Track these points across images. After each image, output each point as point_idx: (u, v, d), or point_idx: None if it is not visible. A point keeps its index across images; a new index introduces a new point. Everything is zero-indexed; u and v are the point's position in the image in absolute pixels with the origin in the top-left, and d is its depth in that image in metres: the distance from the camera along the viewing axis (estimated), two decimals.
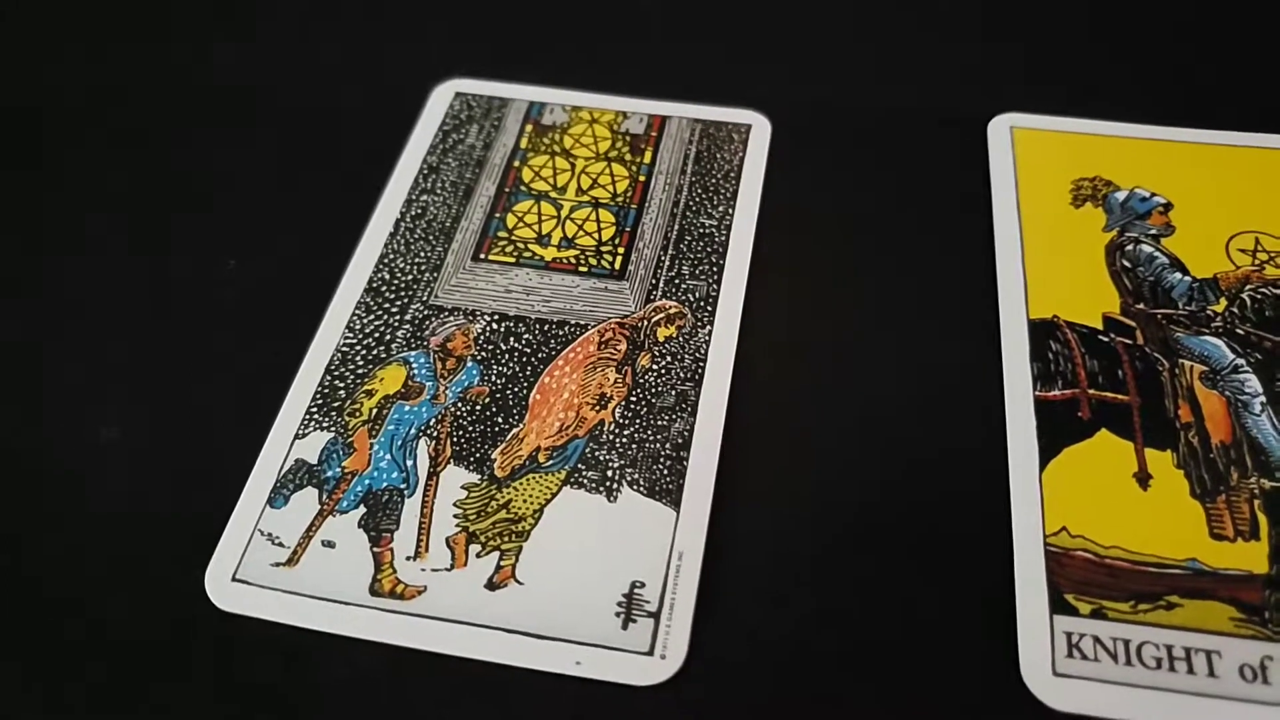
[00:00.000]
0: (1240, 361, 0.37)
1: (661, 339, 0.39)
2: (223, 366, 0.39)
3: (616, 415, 0.37)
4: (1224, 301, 0.39)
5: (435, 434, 0.36)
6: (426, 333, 0.39)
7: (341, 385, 0.38)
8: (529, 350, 0.39)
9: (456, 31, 0.52)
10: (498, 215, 0.43)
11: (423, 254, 0.42)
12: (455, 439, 0.36)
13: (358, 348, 0.39)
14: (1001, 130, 0.45)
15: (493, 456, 0.36)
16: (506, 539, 0.34)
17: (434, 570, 0.33)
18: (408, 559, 0.33)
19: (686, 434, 0.36)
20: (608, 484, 0.35)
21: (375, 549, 0.34)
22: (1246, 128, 0.44)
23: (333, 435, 0.36)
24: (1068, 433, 0.36)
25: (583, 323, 0.39)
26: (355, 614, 0.32)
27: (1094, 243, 0.41)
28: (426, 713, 0.31)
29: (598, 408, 0.37)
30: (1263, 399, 0.36)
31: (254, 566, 0.33)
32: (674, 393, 0.37)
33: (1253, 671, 0.30)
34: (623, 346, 0.38)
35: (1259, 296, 0.39)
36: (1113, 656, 0.31)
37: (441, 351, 0.39)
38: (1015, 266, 0.40)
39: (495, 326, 0.39)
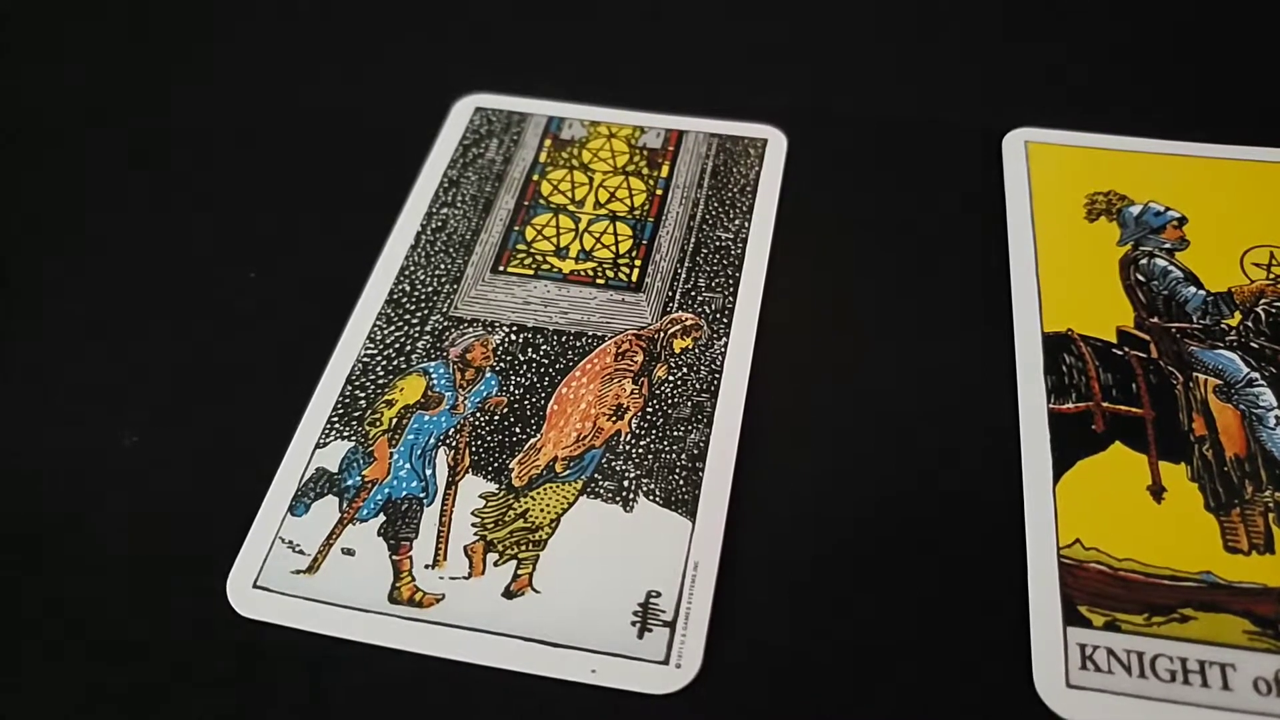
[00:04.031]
0: (1255, 375, 0.37)
1: (678, 350, 0.39)
2: (246, 376, 0.39)
3: (633, 426, 0.37)
4: (1238, 315, 0.39)
5: (454, 444, 0.37)
6: (446, 343, 0.40)
7: (362, 395, 0.38)
8: (547, 361, 0.39)
9: (476, 47, 0.53)
10: (517, 228, 0.44)
11: (443, 266, 0.42)
12: (474, 449, 0.37)
13: (378, 358, 0.39)
14: (1016, 145, 0.45)
15: (510, 466, 0.36)
16: (524, 548, 0.34)
17: (452, 578, 0.34)
18: (426, 567, 0.34)
19: (702, 445, 0.36)
20: (624, 494, 0.35)
21: (394, 557, 0.34)
22: (1261, 142, 0.44)
23: (353, 444, 0.37)
24: (1082, 445, 0.36)
25: (600, 334, 0.40)
26: (374, 621, 0.33)
27: (1108, 257, 0.41)
28: None
29: (614, 418, 0.37)
30: (1277, 412, 0.36)
31: (275, 573, 0.34)
32: (690, 404, 0.38)
33: (1267, 685, 0.30)
34: (639, 358, 0.39)
35: (1274, 310, 0.39)
36: (1126, 669, 0.31)
37: (460, 362, 0.39)
38: (1030, 280, 0.40)
39: (514, 338, 0.40)
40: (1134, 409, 0.36)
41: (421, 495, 0.36)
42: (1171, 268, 0.40)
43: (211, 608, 0.33)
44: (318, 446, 0.37)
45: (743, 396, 0.38)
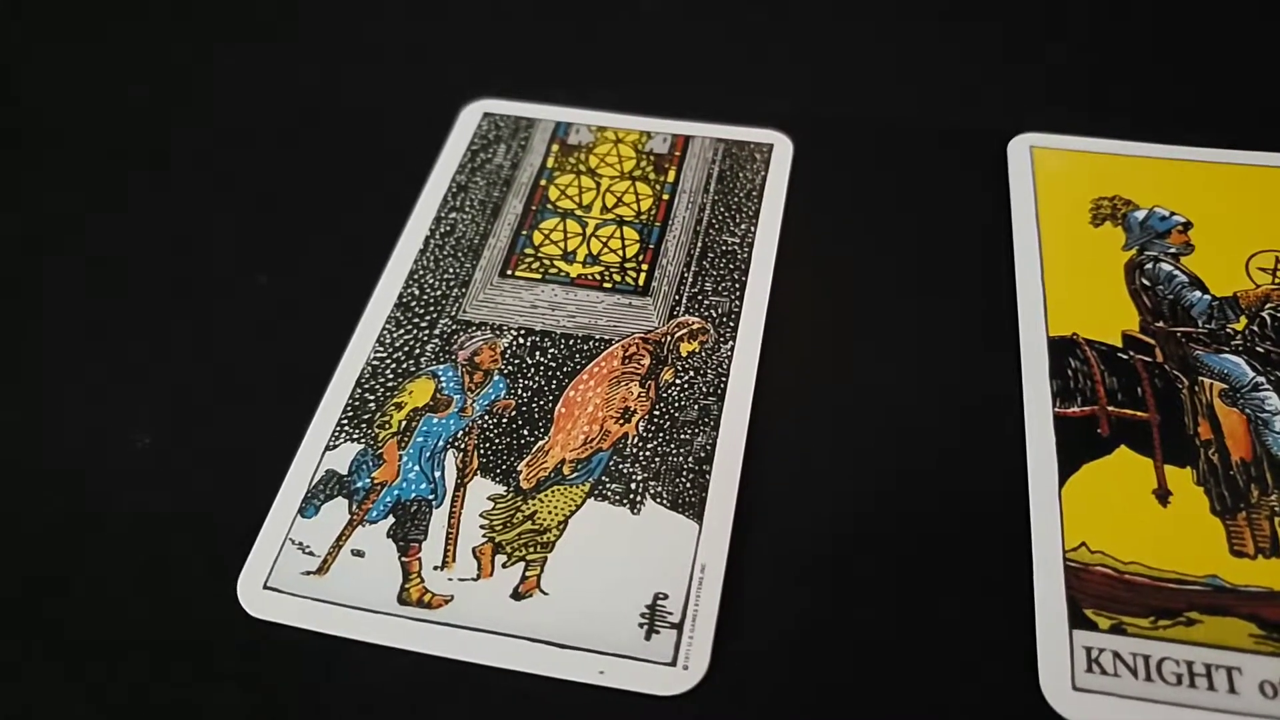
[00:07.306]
0: (1260, 379, 0.37)
1: (684, 354, 0.39)
2: (256, 379, 0.40)
3: (640, 429, 0.37)
4: (1244, 320, 0.39)
5: (463, 446, 0.37)
6: (455, 347, 0.40)
7: (371, 398, 0.38)
8: (554, 364, 0.39)
9: (485, 53, 0.53)
10: (524, 232, 0.44)
11: (451, 270, 0.43)
12: (482, 451, 0.37)
13: (388, 361, 0.40)
14: (1021, 150, 0.46)
15: (519, 469, 0.36)
16: (532, 550, 0.34)
17: (461, 580, 0.34)
18: (435, 569, 0.34)
19: (709, 448, 0.37)
20: (631, 496, 0.35)
21: (403, 558, 0.34)
22: (1266, 147, 0.44)
23: (363, 447, 0.37)
24: (1087, 449, 0.36)
25: (607, 338, 0.40)
26: (383, 622, 0.33)
27: (1113, 261, 0.41)
28: None
29: (621, 421, 0.37)
30: None
31: (285, 575, 0.34)
32: (697, 407, 0.38)
33: (1273, 688, 0.30)
34: (646, 361, 0.39)
35: (1279, 315, 0.39)
36: (1132, 672, 0.31)
37: (469, 365, 0.39)
38: (1035, 284, 0.40)
39: (522, 341, 0.40)
40: (1139, 413, 0.37)
41: (430, 497, 0.36)
42: (1177, 272, 0.40)
43: (222, 608, 0.33)
44: (328, 449, 0.37)
45: (749, 400, 0.38)
